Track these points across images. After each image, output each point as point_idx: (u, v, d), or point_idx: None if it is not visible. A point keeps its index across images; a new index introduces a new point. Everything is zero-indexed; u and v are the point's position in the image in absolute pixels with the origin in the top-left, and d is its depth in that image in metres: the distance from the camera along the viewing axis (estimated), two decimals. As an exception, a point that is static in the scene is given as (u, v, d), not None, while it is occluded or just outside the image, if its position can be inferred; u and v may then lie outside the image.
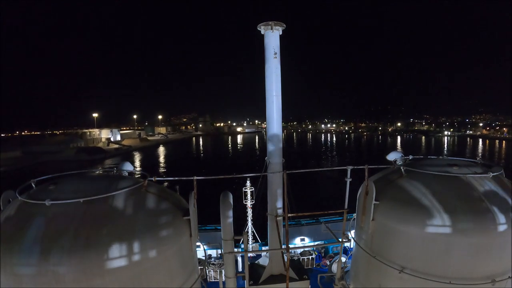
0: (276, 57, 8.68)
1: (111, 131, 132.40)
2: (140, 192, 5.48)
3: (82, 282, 4.33)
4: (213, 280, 18.52)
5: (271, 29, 8.52)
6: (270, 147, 9.29)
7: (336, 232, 8.26)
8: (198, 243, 6.52)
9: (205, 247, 16.17)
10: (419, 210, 5.81)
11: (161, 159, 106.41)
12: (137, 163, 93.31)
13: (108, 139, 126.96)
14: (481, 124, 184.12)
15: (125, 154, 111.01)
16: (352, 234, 7.83)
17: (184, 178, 6.77)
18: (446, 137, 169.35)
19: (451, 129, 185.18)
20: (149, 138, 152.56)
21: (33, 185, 5.41)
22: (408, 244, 5.96)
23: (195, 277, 5.96)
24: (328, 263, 20.53)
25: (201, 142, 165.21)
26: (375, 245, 6.57)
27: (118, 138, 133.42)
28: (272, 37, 8.60)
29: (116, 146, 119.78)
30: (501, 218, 5.52)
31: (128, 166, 6.97)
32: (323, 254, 22.23)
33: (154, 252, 4.86)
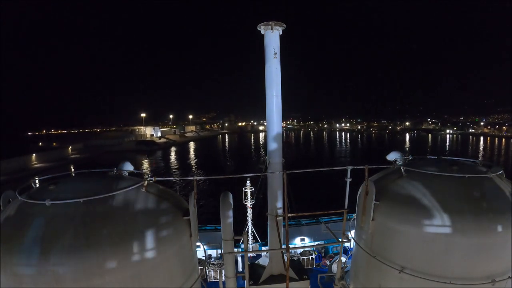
0: (276, 57, 8.68)
1: (154, 128, 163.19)
2: (140, 192, 5.48)
3: (82, 282, 4.33)
4: (213, 280, 18.51)
5: (271, 29, 8.52)
6: (270, 147, 9.28)
7: (336, 232, 8.26)
8: (198, 243, 6.52)
9: (205, 247, 16.16)
10: (419, 210, 5.81)
11: (201, 151, 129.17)
12: (184, 154, 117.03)
13: (152, 135, 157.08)
14: (482, 123, 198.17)
15: (171, 147, 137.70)
16: (352, 234, 7.82)
17: (184, 178, 6.78)
18: (448, 135, 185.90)
19: (455, 128, 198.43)
20: (186, 135, 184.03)
21: (33, 185, 5.41)
22: (408, 244, 5.96)
23: (195, 277, 5.96)
24: (328, 263, 20.53)
25: (227, 140, 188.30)
26: (375, 245, 6.57)
27: (159, 134, 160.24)
28: (272, 37, 8.60)
29: (165, 140, 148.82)
30: (501, 218, 5.52)
31: (128, 166, 6.96)
32: (323, 254, 22.22)
33: (154, 252, 4.86)
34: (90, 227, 4.55)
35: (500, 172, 6.38)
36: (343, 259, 8.38)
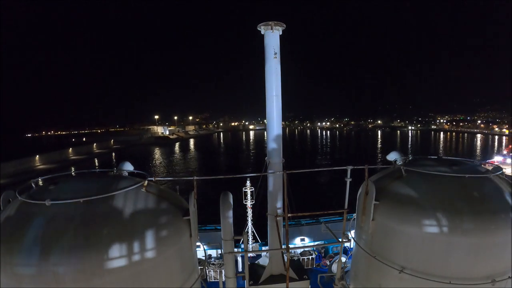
0: (276, 57, 8.67)
1: (163, 127, 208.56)
2: (140, 192, 5.48)
3: (82, 282, 4.33)
4: (213, 280, 18.51)
5: (271, 29, 8.51)
6: (270, 146, 9.28)
7: (336, 232, 8.27)
8: (198, 243, 6.52)
9: (205, 247, 16.16)
10: (419, 210, 5.81)
11: (203, 144, 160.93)
12: (190, 147, 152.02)
13: (162, 133, 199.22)
14: (443, 120, 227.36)
15: (179, 142, 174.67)
16: (352, 234, 7.82)
17: (184, 178, 6.79)
18: (410, 131, 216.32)
19: (418, 125, 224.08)
20: (189, 133, 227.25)
21: (33, 185, 5.41)
22: (408, 244, 5.96)
23: (195, 277, 5.96)
24: (328, 263, 20.52)
25: (221, 137, 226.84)
26: (375, 245, 6.57)
27: (167, 132, 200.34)
28: (272, 37, 8.60)
29: (176, 136, 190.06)
30: (501, 218, 5.52)
31: (128, 166, 6.96)
32: (323, 254, 22.20)
33: (154, 252, 4.86)
34: (90, 227, 4.55)
35: (500, 172, 6.38)
36: (343, 259, 8.39)
